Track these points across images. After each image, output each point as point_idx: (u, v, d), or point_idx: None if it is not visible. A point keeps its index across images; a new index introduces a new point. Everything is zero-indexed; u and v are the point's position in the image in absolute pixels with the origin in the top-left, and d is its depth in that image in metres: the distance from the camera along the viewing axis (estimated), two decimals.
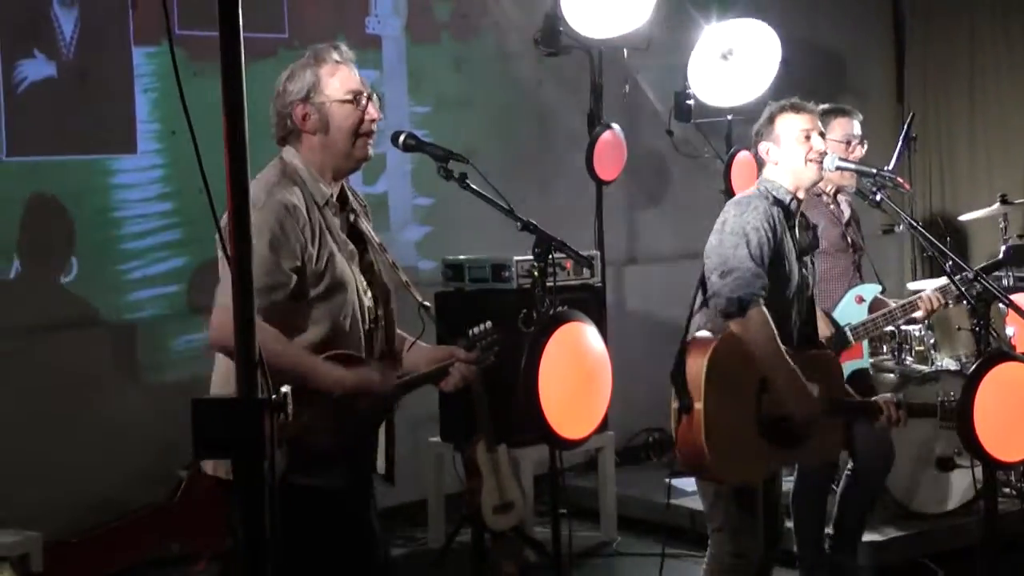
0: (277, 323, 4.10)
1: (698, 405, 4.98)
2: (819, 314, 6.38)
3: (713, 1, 9.57)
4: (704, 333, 5.18)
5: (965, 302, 6.00)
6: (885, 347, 7.71)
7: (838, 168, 5.83)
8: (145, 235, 7.73)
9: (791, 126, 5.41)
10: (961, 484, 7.47)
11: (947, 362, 7.93)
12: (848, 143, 6.65)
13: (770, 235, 5.20)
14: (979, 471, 5.36)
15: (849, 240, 6.79)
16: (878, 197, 5.76)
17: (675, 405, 5.05)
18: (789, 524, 6.40)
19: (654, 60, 9.47)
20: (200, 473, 4.40)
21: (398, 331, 4.56)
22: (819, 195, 6.65)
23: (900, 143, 7.79)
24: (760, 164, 5.52)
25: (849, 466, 6.69)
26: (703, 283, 5.31)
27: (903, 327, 7.44)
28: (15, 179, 7.30)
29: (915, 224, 5.91)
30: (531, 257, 4.66)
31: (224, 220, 2.84)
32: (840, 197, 6.81)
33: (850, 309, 6.64)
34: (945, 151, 11.35)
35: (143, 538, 7.13)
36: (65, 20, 7.43)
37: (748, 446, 5.11)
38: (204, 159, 2.73)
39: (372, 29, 8.78)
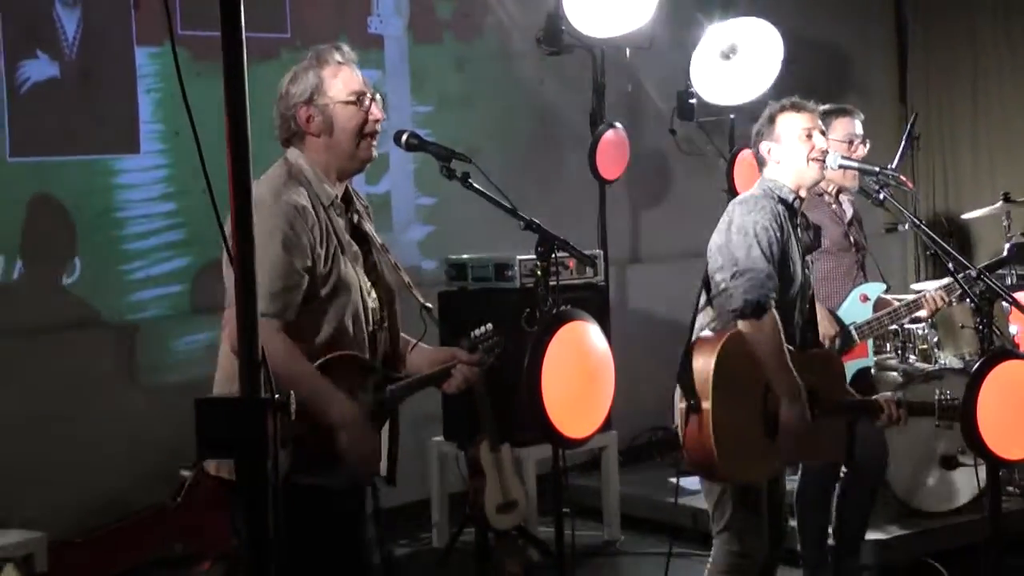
0: (289, 325, 4.11)
1: (706, 405, 4.97)
2: (824, 313, 6.38)
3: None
4: (709, 333, 5.18)
5: (968, 301, 5.99)
6: (889, 346, 7.72)
7: (841, 167, 5.83)
8: (148, 235, 7.74)
9: (792, 125, 5.40)
10: (965, 483, 7.46)
11: (951, 360, 7.93)
12: (850, 143, 6.64)
13: (778, 235, 5.20)
14: (983, 470, 5.36)
15: (852, 240, 6.79)
16: (881, 196, 5.76)
17: (682, 405, 5.04)
18: (792, 523, 6.40)
19: (657, 59, 9.47)
20: (203, 473, 4.39)
21: (401, 334, 4.56)
22: (821, 195, 6.65)
23: (904, 142, 7.79)
24: (761, 164, 5.51)
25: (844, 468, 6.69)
26: (707, 283, 5.30)
27: (907, 326, 7.44)
28: (18, 180, 7.30)
29: (918, 223, 5.91)
30: (534, 256, 4.66)
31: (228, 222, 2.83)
32: (842, 197, 6.80)
33: (854, 308, 6.63)
34: (948, 150, 11.35)
35: (147, 538, 7.13)
36: (68, 20, 7.43)
37: (756, 445, 5.11)
38: (207, 159, 2.73)
39: (374, 29, 8.78)
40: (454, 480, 8.05)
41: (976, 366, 5.11)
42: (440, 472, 8.09)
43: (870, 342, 6.69)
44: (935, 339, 7.96)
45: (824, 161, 5.42)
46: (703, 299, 5.31)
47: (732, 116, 9.10)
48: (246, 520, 2.63)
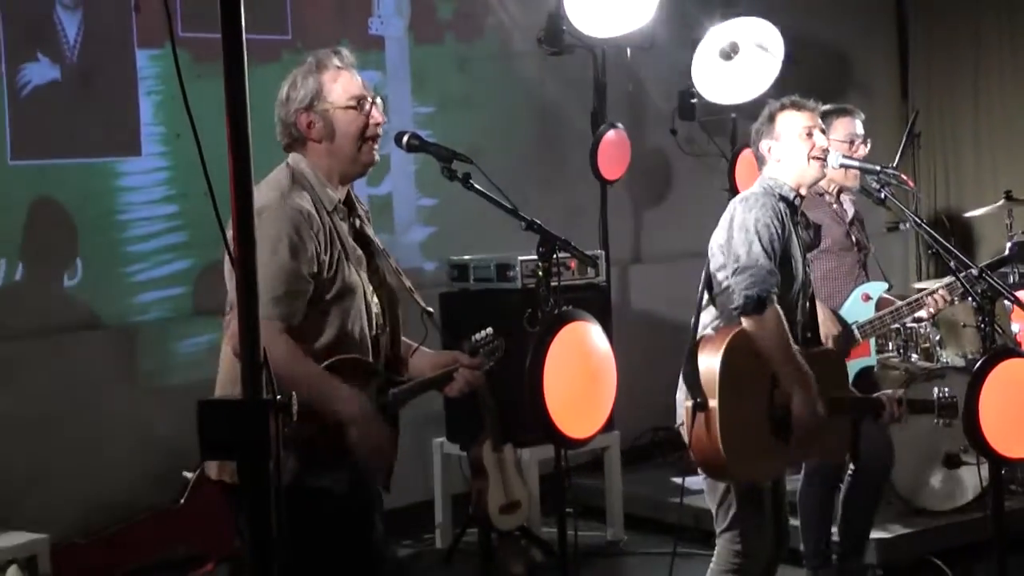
0: (293, 328, 4.12)
1: (713, 403, 4.98)
2: (826, 312, 6.39)
3: None
4: (713, 331, 5.18)
5: (970, 299, 6.00)
6: (891, 344, 7.72)
7: (842, 166, 5.83)
8: (150, 238, 7.73)
9: (792, 123, 5.41)
10: (968, 481, 7.46)
11: (953, 359, 7.94)
12: (851, 142, 6.64)
13: (780, 232, 5.20)
14: (985, 468, 5.36)
15: (853, 239, 6.79)
16: (883, 195, 5.76)
17: (688, 404, 5.04)
18: (795, 522, 6.40)
19: (658, 59, 9.47)
20: (207, 475, 4.40)
21: (403, 338, 4.56)
22: (822, 194, 6.65)
23: (904, 140, 7.80)
24: (760, 162, 5.51)
25: (850, 467, 6.69)
26: (708, 281, 5.31)
27: (909, 325, 7.44)
28: (19, 183, 7.30)
29: (920, 221, 5.91)
30: (535, 257, 4.66)
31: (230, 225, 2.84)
32: (843, 196, 6.80)
33: (857, 307, 6.63)
34: (950, 149, 11.35)
35: (150, 540, 7.13)
36: (68, 23, 7.43)
37: (762, 444, 5.12)
38: (208, 161, 2.73)
39: (375, 30, 8.77)
40: (457, 481, 8.05)
41: (978, 365, 5.12)
42: (443, 473, 8.10)
43: (872, 341, 6.69)
44: (937, 338, 7.97)
45: (824, 159, 5.43)
46: (705, 298, 5.31)
47: (733, 116, 9.10)
48: (248, 521, 2.64)
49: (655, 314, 9.58)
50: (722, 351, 5.01)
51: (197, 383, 5.87)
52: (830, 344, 6.28)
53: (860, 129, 6.73)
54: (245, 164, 2.60)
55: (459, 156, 4.56)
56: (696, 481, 5.40)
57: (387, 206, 8.70)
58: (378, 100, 4.44)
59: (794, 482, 6.55)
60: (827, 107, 6.46)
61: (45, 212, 7.37)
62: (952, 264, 5.60)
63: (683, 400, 5.13)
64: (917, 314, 6.67)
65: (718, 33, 8.80)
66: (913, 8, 11.66)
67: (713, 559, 5.40)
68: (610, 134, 8.74)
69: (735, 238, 5.19)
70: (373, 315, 4.38)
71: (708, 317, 5.30)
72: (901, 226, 9.59)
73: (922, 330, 7.71)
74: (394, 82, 8.78)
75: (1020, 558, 5.99)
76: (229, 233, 2.74)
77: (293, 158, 4.38)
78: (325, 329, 4.23)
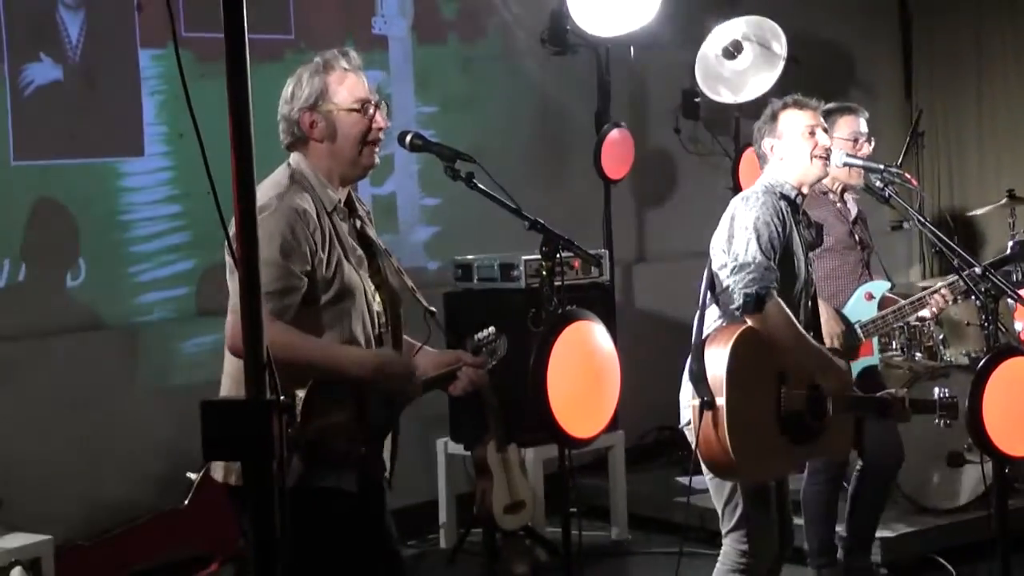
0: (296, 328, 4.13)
1: (720, 401, 4.98)
2: (830, 311, 6.39)
3: None
4: (719, 329, 5.18)
5: (974, 298, 5.99)
6: (895, 343, 7.72)
7: (845, 164, 5.83)
8: (153, 238, 7.72)
9: (795, 122, 5.41)
10: (972, 480, 7.46)
11: (957, 358, 7.93)
12: (855, 141, 6.64)
13: (780, 230, 5.20)
14: (989, 466, 5.36)
15: (857, 238, 6.79)
16: (887, 193, 5.76)
17: (695, 403, 5.04)
18: (798, 521, 6.40)
19: (661, 58, 9.47)
20: (211, 476, 4.40)
21: (405, 337, 4.56)
22: (826, 193, 6.65)
23: (908, 139, 7.80)
24: (762, 161, 5.51)
25: (859, 464, 6.69)
26: (711, 280, 5.31)
27: (912, 323, 7.44)
28: (22, 183, 7.30)
29: (923, 220, 5.91)
30: (539, 256, 4.66)
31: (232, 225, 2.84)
32: (847, 195, 6.80)
33: (860, 306, 6.63)
34: (953, 148, 11.34)
35: (155, 541, 7.13)
36: (71, 23, 7.43)
37: (770, 442, 5.12)
38: (211, 161, 2.72)
39: (378, 30, 8.77)
40: (461, 481, 8.06)
41: (982, 363, 5.12)
42: (447, 473, 8.11)
43: (875, 340, 6.69)
44: (941, 337, 7.96)
45: (827, 158, 5.43)
46: (708, 297, 5.31)
47: (737, 114, 9.10)
48: (252, 521, 2.63)
49: (659, 313, 9.58)
50: (728, 349, 5.01)
51: (200, 384, 5.88)
52: (835, 343, 6.29)
53: (864, 127, 6.73)
54: (248, 164, 2.60)
55: (462, 156, 4.56)
56: (701, 480, 5.40)
57: (391, 206, 8.70)
58: (383, 104, 4.44)
59: (797, 481, 6.55)
60: (831, 105, 6.46)
61: (48, 212, 7.37)
62: (955, 263, 5.60)
63: (688, 400, 5.13)
64: (920, 313, 6.67)
65: (721, 31, 8.79)
66: (916, 7, 11.65)
67: (719, 559, 5.40)
68: (614, 133, 8.74)
69: (735, 236, 5.20)
70: (375, 315, 4.39)
71: (711, 316, 5.30)
72: (905, 225, 9.58)
73: (925, 329, 7.71)
74: (397, 82, 8.78)
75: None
76: (232, 233, 2.74)
77: (294, 158, 4.38)
78: (327, 330, 4.24)
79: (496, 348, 4.62)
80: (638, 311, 9.77)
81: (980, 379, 5.01)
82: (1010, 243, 7.58)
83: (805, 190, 5.43)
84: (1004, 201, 8.84)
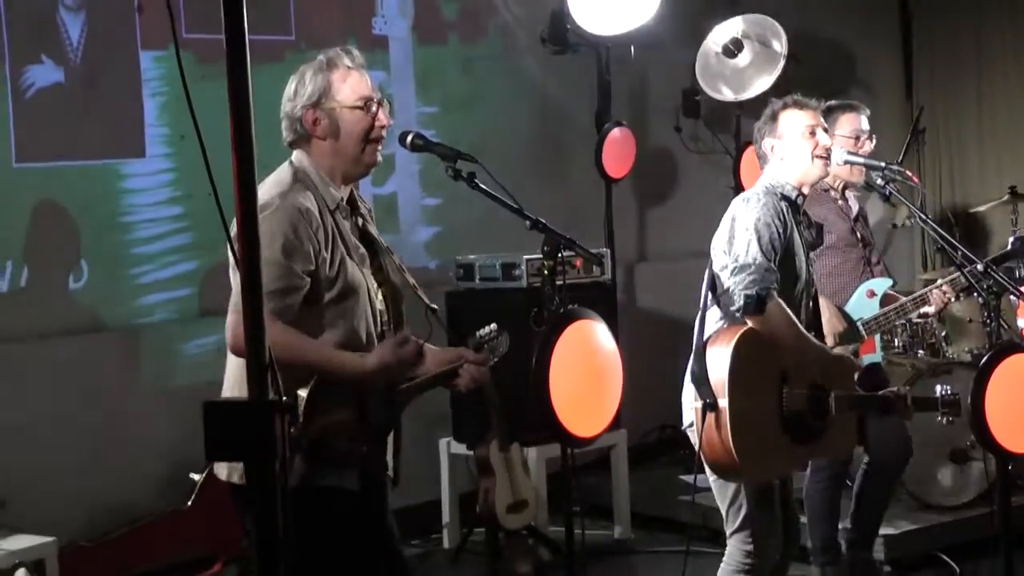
0: (294, 327, 4.13)
1: (723, 403, 4.97)
2: (832, 309, 6.39)
3: None
4: (720, 331, 5.18)
5: (976, 294, 6.00)
6: (897, 340, 7.72)
7: (846, 162, 5.83)
8: (155, 239, 7.73)
9: (795, 122, 5.40)
10: (975, 476, 7.46)
11: (959, 355, 7.93)
12: (856, 138, 6.64)
13: (780, 231, 5.20)
14: (992, 463, 5.36)
15: (858, 235, 6.79)
16: (887, 191, 5.76)
17: (697, 405, 5.04)
18: (802, 519, 6.40)
19: (662, 56, 9.47)
20: (214, 476, 4.41)
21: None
22: (827, 190, 6.65)
23: (909, 136, 7.80)
24: (762, 161, 5.51)
25: (865, 461, 6.70)
26: (712, 281, 5.30)
27: (915, 320, 7.44)
28: (24, 185, 7.30)
29: (924, 217, 5.91)
30: (541, 256, 4.66)
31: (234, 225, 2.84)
32: (848, 192, 6.80)
33: (862, 304, 6.63)
34: (954, 145, 11.34)
35: (158, 542, 7.14)
36: (72, 25, 7.43)
37: (773, 443, 5.11)
38: (213, 162, 2.73)
39: (379, 30, 8.77)
40: (464, 480, 8.06)
41: (984, 360, 5.12)
42: (450, 473, 8.11)
43: (877, 337, 6.69)
44: (943, 333, 7.96)
45: (827, 158, 5.43)
46: (709, 298, 5.31)
47: (738, 113, 9.10)
48: (255, 521, 2.64)
49: (661, 312, 9.58)
50: (730, 350, 5.01)
51: (203, 385, 5.88)
52: (834, 341, 6.30)
53: (865, 125, 6.72)
54: (249, 165, 2.60)
55: (463, 155, 4.57)
56: (703, 478, 5.40)
57: (392, 206, 8.70)
58: (385, 101, 4.44)
59: (801, 478, 6.55)
60: (832, 102, 6.48)
61: (50, 214, 7.37)
62: (957, 259, 5.60)
63: (691, 401, 5.13)
64: (922, 310, 6.67)
65: (722, 30, 8.79)
66: (917, 5, 11.65)
67: (724, 559, 5.39)
68: (614, 132, 8.74)
69: (736, 238, 5.19)
70: (377, 313, 4.39)
71: (713, 318, 5.29)
72: (907, 222, 9.58)
73: (928, 326, 7.71)
74: (398, 82, 8.78)
75: None
76: (234, 234, 2.74)
77: (296, 156, 4.38)
78: (330, 328, 4.24)
79: (498, 345, 4.62)
80: (640, 310, 9.77)
81: (982, 376, 5.01)
82: (1011, 239, 7.59)
83: (806, 190, 5.43)
84: (1006, 198, 8.84)
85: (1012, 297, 6.42)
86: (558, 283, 4.64)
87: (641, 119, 9.78)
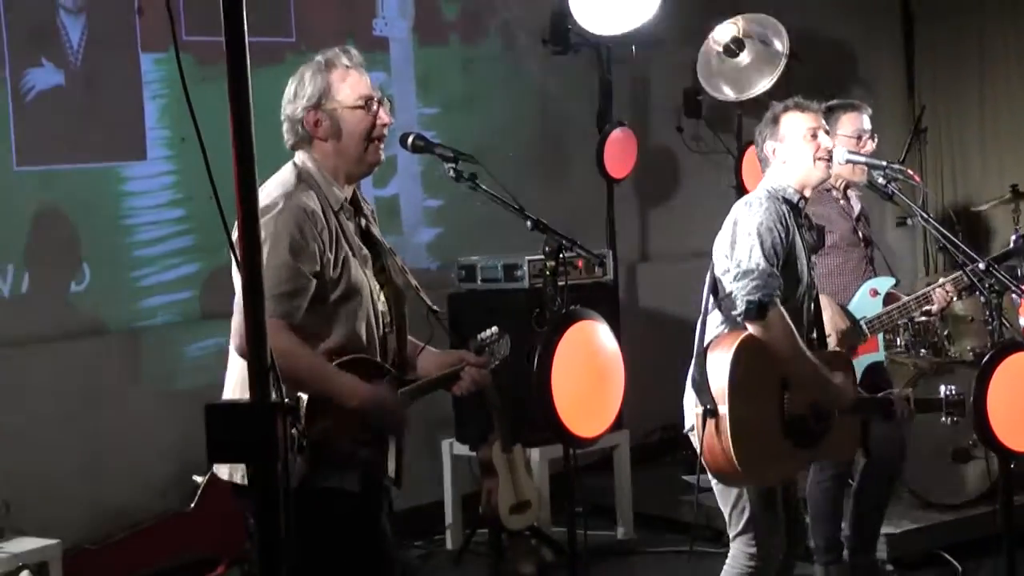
0: (298, 328, 4.13)
1: (723, 409, 4.97)
2: (835, 308, 6.38)
3: None
4: (721, 335, 5.17)
5: (978, 293, 5.99)
6: (899, 340, 7.71)
7: (848, 161, 5.82)
8: (156, 242, 7.72)
9: (797, 125, 5.39)
10: (977, 475, 7.46)
11: (961, 353, 7.93)
12: (858, 138, 6.63)
13: (783, 235, 5.18)
14: (995, 462, 5.36)
15: (860, 235, 6.78)
16: (890, 190, 5.76)
17: (698, 411, 5.03)
18: (805, 518, 6.40)
19: (663, 56, 9.47)
20: (217, 479, 4.40)
21: (409, 337, 4.56)
22: (829, 190, 6.64)
23: (911, 136, 7.79)
24: (764, 164, 5.50)
25: (862, 461, 6.69)
26: (713, 285, 5.29)
27: (917, 320, 7.43)
28: (25, 188, 7.29)
29: (927, 216, 5.91)
30: (542, 256, 4.66)
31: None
32: (850, 192, 6.80)
33: (864, 303, 6.62)
34: (956, 144, 11.33)
35: (161, 545, 7.14)
36: (72, 28, 7.42)
37: (774, 448, 5.11)
38: (213, 164, 2.72)
39: (379, 31, 8.76)
40: (467, 481, 8.06)
41: (986, 359, 5.12)
42: (453, 474, 8.11)
43: (880, 337, 6.69)
44: (946, 332, 7.96)
45: (829, 160, 5.42)
46: (711, 302, 5.30)
47: (739, 112, 9.09)
48: (258, 523, 2.64)
49: (663, 312, 9.58)
50: (731, 355, 5.00)
51: (205, 387, 5.88)
52: (836, 341, 6.29)
53: (867, 124, 6.71)
54: (249, 167, 2.60)
55: (464, 157, 4.57)
56: (706, 479, 5.40)
57: (393, 207, 8.70)
58: (386, 100, 4.44)
59: (804, 478, 6.55)
60: (834, 102, 6.47)
61: (51, 217, 7.37)
62: (960, 258, 5.60)
63: (692, 406, 5.12)
64: (925, 309, 6.66)
65: (723, 29, 8.79)
66: (918, 5, 11.65)
67: (727, 562, 5.39)
68: (616, 132, 8.74)
69: (738, 242, 5.17)
70: (379, 314, 4.38)
71: (714, 322, 5.28)
72: (909, 221, 9.58)
73: (930, 325, 7.70)
74: (398, 83, 8.77)
75: None
76: (235, 236, 2.74)
77: (299, 157, 4.38)
78: (333, 330, 4.24)
79: (499, 348, 4.62)
80: (642, 310, 9.77)
81: (984, 375, 5.01)
82: (1013, 237, 7.58)
83: (807, 193, 5.41)
84: (1008, 196, 8.84)
85: (1014, 296, 6.41)
86: (560, 284, 4.64)
87: (642, 119, 9.78)
